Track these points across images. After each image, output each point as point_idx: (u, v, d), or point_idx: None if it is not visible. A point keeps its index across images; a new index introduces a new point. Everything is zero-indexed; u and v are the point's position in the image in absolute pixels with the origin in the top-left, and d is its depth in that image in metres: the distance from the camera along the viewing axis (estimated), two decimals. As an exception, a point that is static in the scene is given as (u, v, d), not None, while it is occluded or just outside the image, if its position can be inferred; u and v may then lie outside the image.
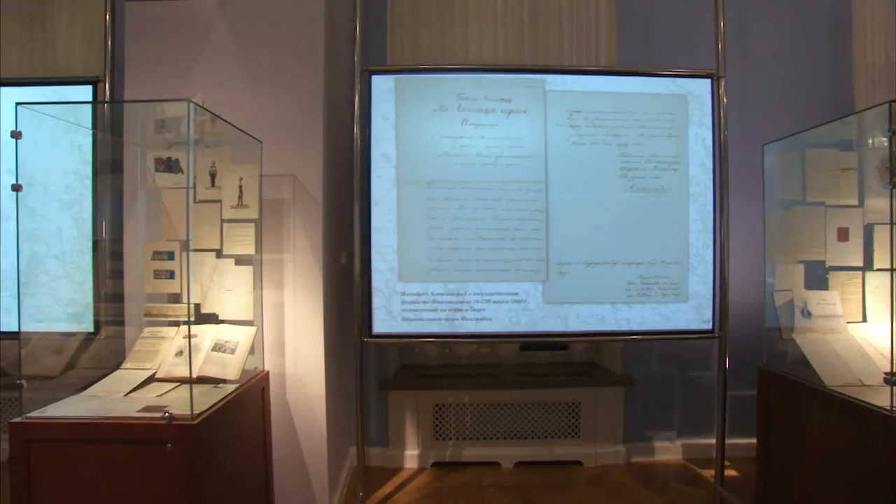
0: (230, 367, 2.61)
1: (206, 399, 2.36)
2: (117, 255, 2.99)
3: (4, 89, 3.15)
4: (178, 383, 2.58)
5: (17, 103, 2.18)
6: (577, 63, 3.68)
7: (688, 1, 3.80)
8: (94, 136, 2.99)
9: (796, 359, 2.74)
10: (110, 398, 2.40)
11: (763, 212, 3.01)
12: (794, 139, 2.87)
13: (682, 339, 3.14)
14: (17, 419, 2.14)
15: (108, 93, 3.09)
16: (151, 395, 2.44)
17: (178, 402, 2.31)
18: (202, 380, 2.59)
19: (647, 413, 3.85)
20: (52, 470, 2.14)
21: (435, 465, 3.70)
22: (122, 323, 2.96)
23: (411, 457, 3.72)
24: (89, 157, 3.03)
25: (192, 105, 2.18)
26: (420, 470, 3.64)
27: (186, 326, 2.80)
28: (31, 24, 3.66)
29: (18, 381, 2.20)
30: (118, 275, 2.99)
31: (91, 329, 3.05)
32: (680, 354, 3.83)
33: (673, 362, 3.85)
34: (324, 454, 2.95)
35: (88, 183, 3.04)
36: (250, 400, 2.67)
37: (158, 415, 2.16)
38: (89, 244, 3.06)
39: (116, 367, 2.72)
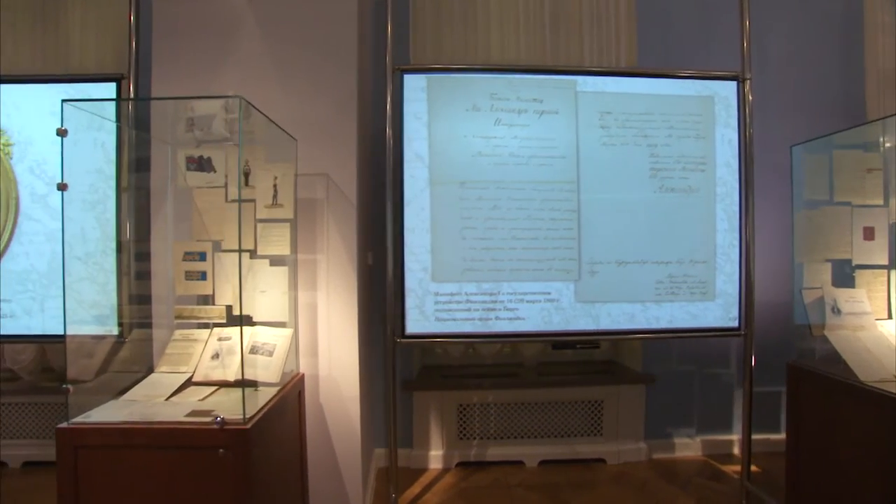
0: (270, 370, 2.58)
1: (248, 402, 2.32)
2: (144, 256, 2.93)
3: (23, 87, 3.06)
4: (216, 387, 2.54)
5: (63, 100, 2.12)
6: (597, 64, 3.70)
7: (707, 3, 3.85)
8: (119, 133, 2.93)
9: (824, 355, 2.79)
10: (151, 402, 2.35)
11: (791, 212, 3.06)
12: (821, 141, 2.93)
13: (710, 336, 3.19)
14: (64, 424, 2.09)
15: (132, 90, 3.02)
16: (192, 399, 2.39)
17: (223, 407, 2.27)
18: (241, 383, 2.56)
19: (666, 410, 3.89)
20: (100, 476, 2.09)
21: (459, 464, 3.69)
22: (149, 325, 2.90)
23: (436, 457, 3.71)
24: (113, 156, 2.96)
25: (242, 102, 2.15)
26: (445, 470, 3.63)
27: (220, 329, 2.76)
28: (44, 20, 3.56)
29: (64, 386, 2.15)
30: (145, 276, 2.93)
31: (115, 332, 2.98)
32: (698, 352, 3.89)
33: (692, 360, 3.90)
34: (357, 456, 2.93)
35: (112, 182, 2.97)
36: (289, 403, 2.64)
37: (208, 419, 2.13)
38: (113, 245, 2.99)
39: (149, 370, 2.67)
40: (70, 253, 3.03)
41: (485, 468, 3.64)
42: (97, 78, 3.07)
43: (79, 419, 2.13)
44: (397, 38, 3.67)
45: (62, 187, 2.19)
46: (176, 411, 2.23)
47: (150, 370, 2.68)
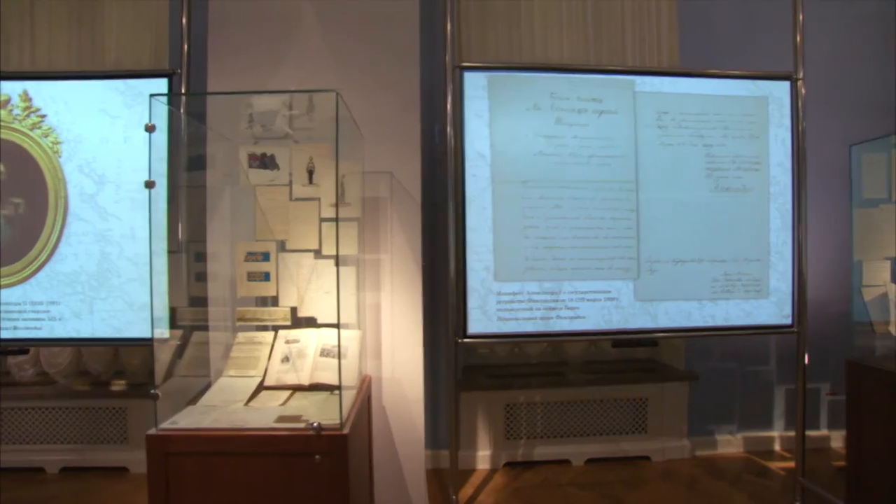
0: (345, 373, 2.52)
1: (328, 406, 2.28)
2: (199, 257, 2.85)
3: (69, 84, 2.95)
4: (290, 391, 2.49)
5: (151, 95, 2.05)
6: (640, 64, 3.71)
7: (749, 2, 3.88)
8: (175, 130, 2.84)
9: (885, 352, 2.85)
10: (231, 408, 2.29)
11: (850, 210, 3.10)
12: (880, 141, 2.98)
13: (764, 334, 3.22)
14: (153, 431, 2.03)
15: (184, 86, 2.94)
16: (272, 404, 2.34)
17: (308, 412, 2.23)
18: (316, 387, 2.51)
19: (708, 407, 3.92)
20: (191, 483, 2.04)
21: (506, 465, 3.68)
22: (206, 328, 2.83)
23: (483, 457, 3.69)
24: (164, 154, 2.86)
25: (338, 97, 2.10)
26: (493, 470, 3.61)
27: (287, 331, 2.70)
28: (80, 17, 3.46)
29: (153, 392, 2.08)
30: (202, 277, 2.86)
31: (166, 335, 2.90)
32: (739, 349, 3.92)
33: (733, 357, 3.93)
34: (421, 459, 2.90)
35: (164, 180, 2.88)
36: (362, 406, 2.60)
37: (301, 425, 2.08)
38: (164, 245, 2.91)
39: (217, 374, 2.61)
40: (120, 254, 2.95)
41: (531, 468, 3.63)
42: (147, 74, 2.98)
43: (166, 425, 2.07)
44: (444, 37, 3.62)
45: (150, 185, 2.13)
46: (262, 417, 2.18)
47: (214, 374, 2.62)
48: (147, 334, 3.07)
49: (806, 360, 3.14)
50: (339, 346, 2.27)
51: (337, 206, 2.26)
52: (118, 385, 3.55)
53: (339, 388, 2.17)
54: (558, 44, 3.69)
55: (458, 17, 3.57)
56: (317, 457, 2.01)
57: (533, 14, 3.67)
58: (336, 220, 2.21)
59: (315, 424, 2.01)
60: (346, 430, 2.05)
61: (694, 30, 3.89)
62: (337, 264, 2.19)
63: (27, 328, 2.90)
